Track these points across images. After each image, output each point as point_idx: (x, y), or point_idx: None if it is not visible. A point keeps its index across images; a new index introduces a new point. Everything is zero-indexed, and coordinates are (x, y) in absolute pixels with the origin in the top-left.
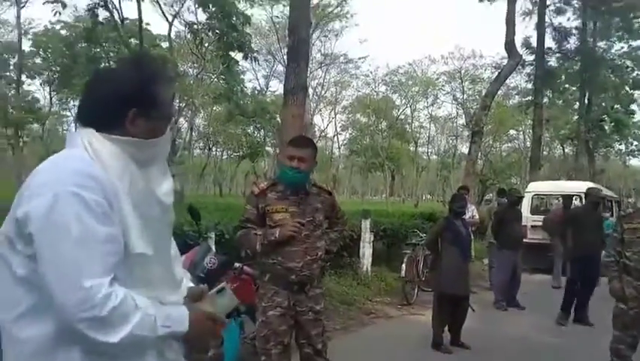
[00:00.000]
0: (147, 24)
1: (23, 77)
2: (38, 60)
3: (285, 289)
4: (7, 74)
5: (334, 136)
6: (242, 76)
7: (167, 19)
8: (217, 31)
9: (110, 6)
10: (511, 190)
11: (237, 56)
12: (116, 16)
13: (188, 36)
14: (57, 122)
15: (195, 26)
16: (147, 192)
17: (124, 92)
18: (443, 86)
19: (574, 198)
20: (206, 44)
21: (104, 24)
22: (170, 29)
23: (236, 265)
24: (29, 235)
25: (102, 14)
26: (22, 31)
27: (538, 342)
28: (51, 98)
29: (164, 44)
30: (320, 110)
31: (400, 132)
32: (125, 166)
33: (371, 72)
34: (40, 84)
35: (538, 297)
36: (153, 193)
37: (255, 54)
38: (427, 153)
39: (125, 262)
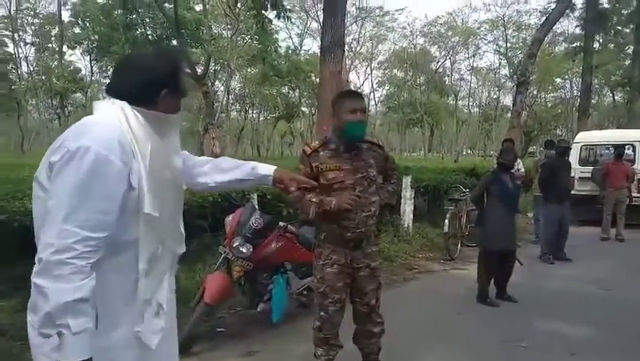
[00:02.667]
0: None
1: (64, 48)
2: (77, 30)
3: (342, 247)
4: (50, 45)
5: (370, 93)
6: (275, 35)
7: None
8: None
9: None
10: (560, 141)
11: (270, 15)
12: None
13: None
14: (99, 90)
15: None
16: (164, 158)
17: (160, 77)
18: (485, 35)
19: (626, 148)
20: (239, 5)
21: None
22: None
23: (281, 223)
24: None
25: None
26: (62, 2)
27: (586, 294)
28: (92, 67)
29: (198, 7)
30: (355, 67)
31: (439, 86)
32: (149, 135)
33: (408, 24)
34: (81, 54)
35: (586, 249)
36: (168, 159)
37: (288, 13)
38: (468, 106)
39: (137, 218)
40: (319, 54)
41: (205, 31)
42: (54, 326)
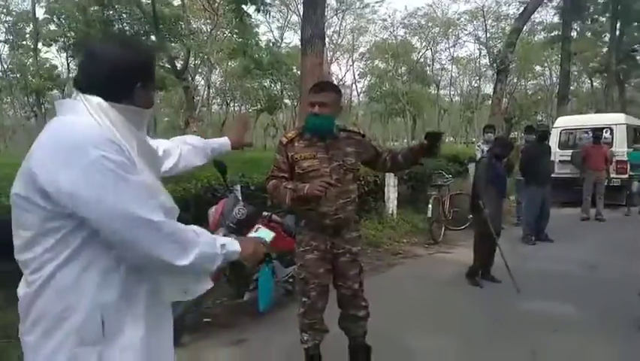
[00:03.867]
0: None
1: (39, 45)
2: (53, 27)
3: (322, 233)
4: (24, 42)
5: (352, 84)
6: (256, 29)
7: None
8: None
9: None
10: (539, 126)
11: (250, 9)
12: None
13: None
14: None
15: None
16: (148, 153)
17: (135, 68)
18: (465, 25)
19: (604, 131)
20: None
21: None
22: None
23: (265, 213)
24: (55, 193)
25: None
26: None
27: (567, 273)
28: (68, 64)
29: (176, 2)
30: (337, 59)
31: (421, 76)
32: (131, 132)
33: (389, 16)
34: (57, 51)
35: (567, 230)
36: (151, 154)
37: (268, 6)
38: (450, 95)
39: None
40: (300, 47)
41: (184, 25)
42: (218, 249)
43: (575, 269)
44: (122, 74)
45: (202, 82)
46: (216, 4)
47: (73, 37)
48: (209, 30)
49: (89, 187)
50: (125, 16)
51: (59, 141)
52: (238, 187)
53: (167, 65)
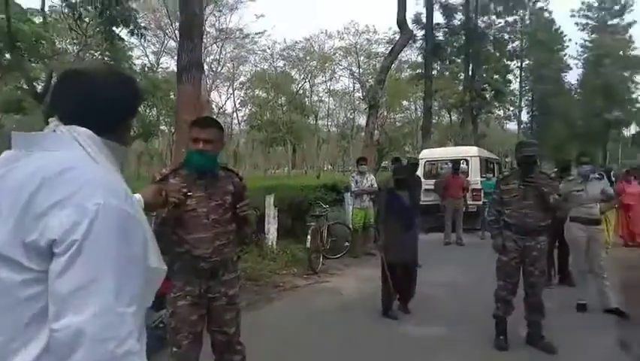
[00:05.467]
0: None
1: None
2: None
3: (196, 278)
4: None
5: (233, 112)
6: (129, 52)
7: None
8: (97, 5)
9: None
10: (410, 158)
11: (123, 32)
12: None
13: (65, 10)
14: None
15: (72, 0)
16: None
17: (131, 102)
18: (340, 61)
19: (461, 162)
20: (87, 19)
21: None
22: (43, 3)
23: None
24: (50, 247)
25: None
26: None
27: (436, 295)
28: None
29: (37, 20)
30: (217, 87)
31: (300, 106)
32: (117, 172)
33: (268, 47)
34: None
35: (432, 254)
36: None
37: (143, 30)
38: (327, 125)
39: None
40: (176, 74)
41: (46, 45)
42: None
43: (443, 291)
44: (116, 106)
45: None
46: (85, 25)
47: None
48: (76, 51)
49: (80, 232)
50: None
51: (55, 180)
52: None
53: (25, 87)
